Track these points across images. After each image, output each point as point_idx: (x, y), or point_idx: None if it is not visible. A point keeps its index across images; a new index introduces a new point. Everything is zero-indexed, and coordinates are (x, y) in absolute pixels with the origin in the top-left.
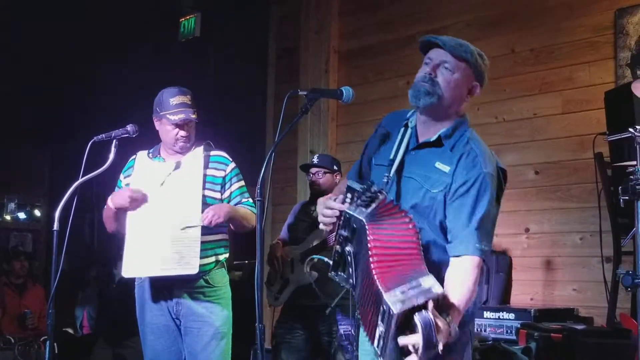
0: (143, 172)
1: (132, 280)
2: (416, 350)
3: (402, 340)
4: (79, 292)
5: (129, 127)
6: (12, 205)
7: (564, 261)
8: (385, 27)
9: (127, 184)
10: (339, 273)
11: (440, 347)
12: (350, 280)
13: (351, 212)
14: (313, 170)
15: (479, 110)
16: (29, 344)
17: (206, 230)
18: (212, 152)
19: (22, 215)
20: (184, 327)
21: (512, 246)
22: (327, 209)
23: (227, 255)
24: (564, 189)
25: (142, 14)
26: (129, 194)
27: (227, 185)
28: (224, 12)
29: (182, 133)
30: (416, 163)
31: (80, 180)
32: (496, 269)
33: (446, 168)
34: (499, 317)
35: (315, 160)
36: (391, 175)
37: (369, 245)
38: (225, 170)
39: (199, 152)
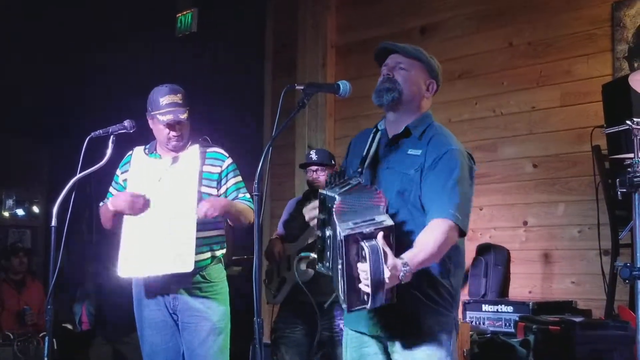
0: (139, 168)
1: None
2: (367, 282)
3: (358, 265)
4: (77, 288)
5: (126, 123)
6: (10, 202)
7: (562, 254)
8: (383, 21)
9: (124, 180)
10: (324, 263)
11: (387, 279)
12: (327, 264)
13: (325, 192)
14: (313, 167)
15: (476, 104)
16: (28, 340)
17: (202, 226)
18: (209, 149)
19: (20, 212)
20: (181, 322)
21: (510, 239)
22: (310, 208)
23: (223, 251)
24: (562, 182)
25: (139, 9)
26: (129, 200)
27: (223, 181)
28: (220, 7)
29: (173, 133)
30: (392, 156)
31: (78, 176)
32: (494, 262)
33: (418, 151)
34: (497, 310)
35: (314, 157)
36: (364, 166)
37: (336, 225)
38: (221, 167)
39: (195, 148)
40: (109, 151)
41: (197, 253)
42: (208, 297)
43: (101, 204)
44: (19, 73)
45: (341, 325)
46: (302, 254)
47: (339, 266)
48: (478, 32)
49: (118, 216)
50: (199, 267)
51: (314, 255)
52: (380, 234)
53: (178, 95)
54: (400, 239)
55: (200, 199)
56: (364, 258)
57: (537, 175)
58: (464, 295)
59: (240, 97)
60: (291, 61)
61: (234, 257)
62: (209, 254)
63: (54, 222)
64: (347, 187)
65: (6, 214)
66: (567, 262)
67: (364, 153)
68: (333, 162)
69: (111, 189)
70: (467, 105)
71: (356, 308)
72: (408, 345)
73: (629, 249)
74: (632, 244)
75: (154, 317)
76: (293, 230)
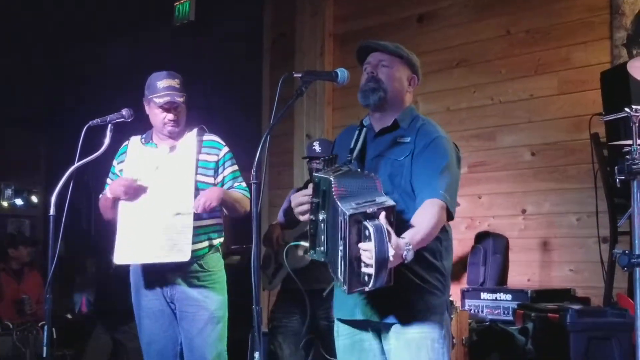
0: (136, 157)
1: (128, 265)
2: (371, 262)
3: (360, 245)
4: (76, 277)
5: (124, 112)
6: (8, 191)
7: (561, 242)
8: (380, 9)
9: (121, 170)
10: (317, 249)
11: (392, 257)
12: (322, 248)
13: (320, 175)
14: (318, 160)
15: (475, 92)
16: (28, 329)
17: (199, 215)
18: (205, 137)
19: (19, 202)
20: (179, 311)
21: (509, 227)
22: (299, 202)
23: (221, 239)
24: (560, 170)
25: None
26: (125, 183)
27: (220, 170)
28: None
29: (170, 116)
30: (381, 146)
31: (76, 165)
32: (493, 251)
33: (407, 139)
34: (496, 298)
35: (317, 149)
36: (353, 156)
37: (332, 193)
38: (218, 155)
39: (191, 137)
40: (107, 140)
41: (194, 242)
42: (206, 286)
43: (100, 195)
44: (16, 63)
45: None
46: (292, 243)
47: (340, 247)
48: (476, 20)
49: (117, 205)
50: (197, 256)
51: (305, 243)
52: (383, 214)
53: (176, 80)
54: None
55: (196, 188)
56: (368, 237)
57: (536, 163)
58: (463, 284)
59: (238, 85)
60: (289, 50)
61: (232, 247)
62: (206, 243)
63: (52, 212)
64: (340, 172)
65: (5, 203)
66: (566, 249)
67: (352, 145)
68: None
69: (108, 180)
70: (465, 93)
71: (356, 289)
72: (401, 326)
73: (628, 237)
74: (630, 231)
75: (151, 306)
76: (293, 217)
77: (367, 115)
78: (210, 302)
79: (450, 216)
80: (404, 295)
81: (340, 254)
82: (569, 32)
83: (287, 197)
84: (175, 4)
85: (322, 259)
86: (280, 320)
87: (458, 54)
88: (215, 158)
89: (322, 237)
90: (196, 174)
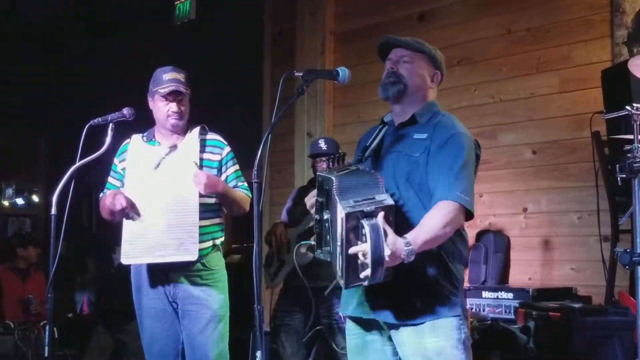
0: (137, 156)
1: (129, 264)
2: (367, 260)
3: (353, 249)
4: (78, 276)
5: (125, 111)
6: (9, 191)
7: (562, 240)
8: (381, 7)
9: (123, 169)
10: (323, 249)
11: (387, 257)
12: (327, 249)
13: (323, 174)
14: (324, 157)
15: (475, 90)
16: (29, 328)
17: (203, 214)
18: (208, 136)
19: (20, 201)
20: (181, 310)
21: (510, 226)
22: (312, 199)
23: (223, 238)
24: (561, 168)
25: None
26: (120, 204)
27: (223, 169)
28: None
29: (174, 108)
30: (396, 141)
31: (78, 164)
32: (494, 249)
33: (424, 135)
34: (497, 296)
35: (323, 146)
36: (367, 153)
37: (337, 203)
38: (221, 154)
39: (194, 136)
40: (108, 139)
41: (199, 241)
42: (208, 285)
43: (101, 195)
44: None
45: (340, 313)
46: (303, 242)
47: (337, 243)
48: (476, 18)
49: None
50: (200, 255)
51: (313, 242)
52: (381, 214)
53: (181, 74)
54: (405, 221)
55: None
56: (364, 236)
57: (537, 161)
58: (464, 282)
59: (238, 84)
60: (290, 49)
61: (233, 245)
62: (210, 243)
63: (53, 211)
64: (345, 171)
65: (6, 203)
66: (567, 248)
67: (369, 142)
68: (340, 151)
69: (110, 179)
70: (466, 92)
71: (354, 284)
72: (416, 331)
73: (629, 235)
74: (632, 229)
75: (153, 305)
76: (296, 216)
77: (388, 112)
78: (212, 300)
79: (470, 215)
80: (416, 296)
81: (338, 249)
82: (569, 30)
83: (290, 196)
84: (175, 2)
85: (328, 259)
86: (283, 319)
87: (459, 53)
88: (218, 157)
89: (327, 236)
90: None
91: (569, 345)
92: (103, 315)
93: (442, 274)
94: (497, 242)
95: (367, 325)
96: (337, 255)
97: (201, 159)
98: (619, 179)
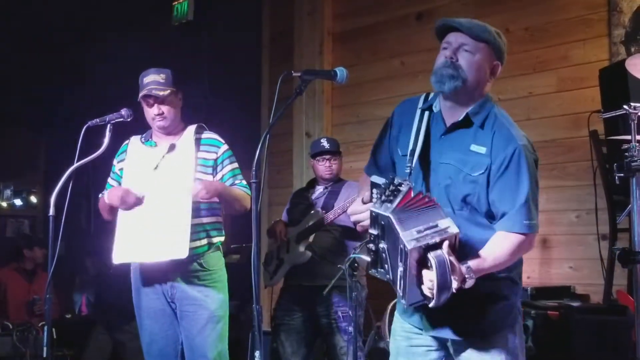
0: (136, 157)
1: (129, 265)
2: (432, 290)
3: (423, 274)
4: (76, 277)
5: (123, 111)
6: (8, 192)
7: (560, 239)
8: (379, 7)
9: (121, 169)
10: (379, 269)
11: (454, 287)
12: (388, 276)
13: (377, 210)
14: (326, 156)
15: None
16: (27, 329)
17: (197, 212)
18: (204, 135)
19: (18, 202)
20: (179, 311)
21: None
22: (357, 213)
23: (221, 238)
24: (559, 167)
25: None
26: (121, 194)
27: (219, 168)
28: None
29: (155, 111)
30: (449, 147)
31: (76, 165)
32: None
33: (482, 149)
34: None
35: (326, 145)
36: (413, 164)
37: (398, 234)
38: (217, 153)
39: (190, 135)
40: (106, 140)
41: (193, 240)
42: (206, 286)
43: (100, 195)
44: (15, 63)
45: (339, 313)
46: (353, 256)
47: (400, 268)
48: (474, 18)
49: (114, 210)
50: (196, 255)
51: (367, 258)
52: (446, 243)
53: (161, 75)
54: (461, 244)
55: None
56: (430, 267)
57: None
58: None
59: (237, 85)
60: (288, 49)
61: (232, 245)
62: (205, 241)
63: (52, 212)
64: (398, 199)
65: (4, 204)
66: (565, 247)
67: (412, 141)
68: (340, 150)
69: (109, 180)
70: None
71: (415, 303)
72: (469, 343)
73: (627, 234)
74: (629, 228)
75: (152, 306)
76: (295, 215)
77: (435, 96)
78: (210, 301)
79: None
80: (469, 310)
81: (400, 273)
82: (567, 29)
83: (290, 199)
84: (173, 3)
85: (384, 278)
86: (282, 319)
87: None
88: (214, 156)
89: (386, 265)
90: (195, 171)
91: (568, 344)
92: (102, 315)
93: (496, 282)
94: None
95: (414, 329)
96: (398, 277)
97: (197, 158)
98: (616, 177)
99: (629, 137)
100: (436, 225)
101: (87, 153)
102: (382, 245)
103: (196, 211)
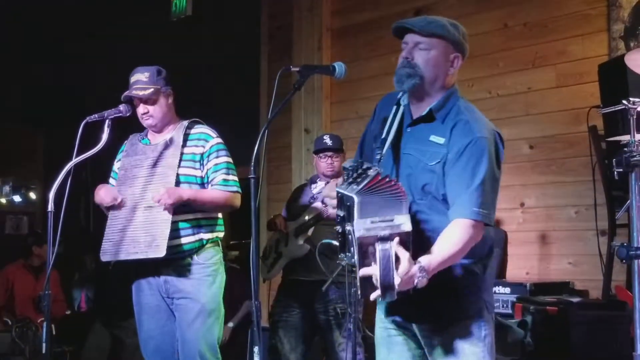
0: (130, 154)
1: (128, 262)
2: (376, 284)
3: (362, 271)
4: (75, 274)
5: (122, 107)
6: (7, 188)
7: (559, 235)
8: (378, 3)
9: (119, 168)
10: (347, 253)
11: (397, 284)
12: (353, 260)
13: (342, 191)
14: (328, 153)
15: (472, 85)
16: (27, 325)
17: (186, 208)
18: (195, 129)
19: (17, 198)
20: (173, 305)
21: (507, 221)
22: (331, 197)
23: (217, 234)
24: (558, 163)
25: None
26: (105, 197)
27: (204, 162)
28: None
29: (140, 110)
30: (412, 139)
31: (74, 161)
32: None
33: (440, 140)
34: (495, 291)
35: (329, 142)
36: (384, 152)
37: (352, 220)
38: (204, 147)
39: (179, 131)
40: (104, 136)
41: (182, 236)
42: (198, 279)
43: None
44: (14, 59)
45: (337, 309)
46: (324, 241)
47: (354, 259)
48: (473, 13)
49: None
50: (188, 250)
51: (335, 243)
52: (396, 239)
53: (145, 74)
54: (420, 230)
55: (180, 182)
56: (375, 262)
57: (534, 156)
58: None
59: (235, 80)
60: (287, 44)
61: (231, 242)
62: (195, 237)
63: (50, 207)
64: (365, 182)
65: (3, 200)
66: (564, 243)
67: (385, 132)
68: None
69: (110, 179)
70: (463, 87)
71: (370, 297)
72: (434, 331)
73: (626, 229)
74: (629, 223)
75: (148, 302)
76: (295, 210)
77: (405, 94)
78: (201, 295)
79: (488, 225)
80: (431, 298)
81: (355, 262)
82: (566, 24)
83: (291, 194)
84: None
85: (350, 263)
86: (281, 315)
87: None
88: (201, 150)
89: (351, 247)
90: (179, 167)
91: (567, 340)
92: (101, 312)
93: (457, 272)
94: (494, 237)
95: (396, 321)
96: (357, 266)
97: (183, 153)
98: (615, 173)
99: (627, 137)
100: (392, 220)
101: (86, 149)
102: (348, 227)
103: (187, 207)
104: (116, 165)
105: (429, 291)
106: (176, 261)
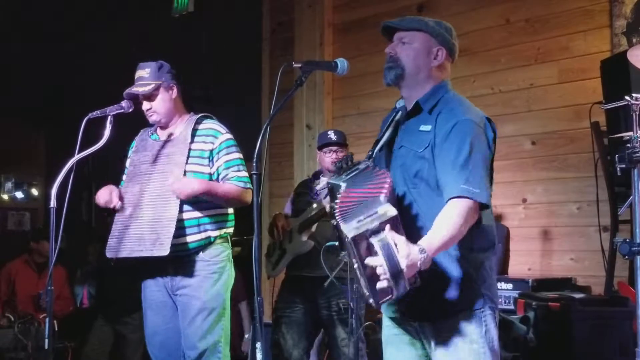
0: (140, 150)
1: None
2: (386, 276)
3: (368, 261)
4: (77, 269)
5: (124, 103)
6: (9, 185)
7: (562, 231)
8: None
9: (128, 165)
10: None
11: (404, 266)
12: (344, 252)
13: (332, 181)
14: (333, 148)
15: (474, 81)
16: (29, 321)
17: (195, 206)
18: (204, 125)
19: (19, 195)
20: (176, 302)
21: (509, 217)
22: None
23: (224, 230)
24: (560, 159)
25: None
26: (98, 198)
27: (214, 159)
28: None
29: (145, 106)
30: (404, 134)
31: (76, 157)
32: None
33: (428, 127)
34: (497, 287)
35: (333, 137)
36: (377, 149)
37: (339, 226)
38: (213, 144)
39: (188, 127)
40: (106, 132)
41: (187, 234)
42: (202, 276)
43: None
44: (15, 55)
45: (340, 305)
46: (329, 244)
47: (355, 265)
48: (475, 9)
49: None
50: (192, 248)
51: (337, 243)
52: (387, 227)
53: (146, 69)
54: (416, 219)
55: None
56: (376, 254)
57: (536, 152)
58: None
59: (237, 76)
60: (288, 40)
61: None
62: (202, 235)
63: (52, 203)
64: (354, 173)
65: (5, 196)
66: (566, 238)
67: (380, 134)
68: (349, 152)
69: (124, 177)
70: (465, 83)
71: (383, 300)
72: (435, 327)
73: (628, 225)
74: (631, 219)
75: (154, 297)
76: (298, 205)
77: (401, 97)
78: (202, 292)
79: (483, 206)
80: (431, 292)
81: (358, 272)
82: (568, 20)
83: (294, 190)
84: None
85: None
86: (284, 311)
87: (458, 43)
88: (210, 147)
89: (350, 255)
90: (187, 163)
91: (569, 336)
92: (103, 307)
93: (455, 265)
94: (496, 233)
95: (398, 319)
96: (359, 276)
97: (191, 149)
98: (618, 169)
99: (629, 134)
100: (375, 212)
101: (88, 145)
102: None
103: (193, 205)
104: (127, 162)
105: (428, 286)
106: (181, 258)
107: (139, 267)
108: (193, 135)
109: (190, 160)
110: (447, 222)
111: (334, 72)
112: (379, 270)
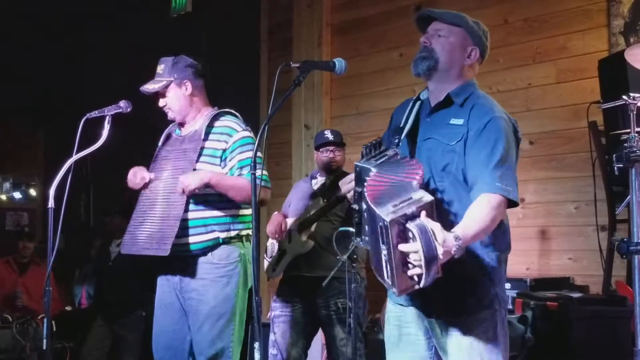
0: (163, 145)
1: (129, 258)
2: (420, 262)
3: (403, 247)
4: (76, 270)
5: (122, 103)
6: (7, 185)
7: (559, 230)
8: None
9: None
10: (363, 237)
11: (440, 254)
12: (365, 238)
13: (361, 164)
14: (330, 147)
15: None
16: (27, 322)
17: (202, 206)
18: (219, 122)
19: (17, 195)
20: (185, 305)
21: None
22: (347, 183)
23: (234, 232)
24: (558, 159)
25: None
26: (131, 172)
27: (228, 159)
28: None
29: (160, 103)
30: (432, 126)
31: (75, 157)
32: None
33: (460, 121)
34: None
35: (330, 136)
36: (402, 137)
37: (375, 211)
38: (227, 143)
39: (203, 124)
40: (105, 132)
41: (190, 235)
42: (209, 280)
43: None
44: (13, 55)
45: (339, 304)
46: (341, 229)
47: (383, 252)
48: (473, 8)
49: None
50: (197, 249)
51: (352, 229)
52: (423, 213)
53: (161, 65)
54: (441, 212)
55: None
56: (413, 239)
57: (534, 152)
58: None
59: (235, 76)
60: (287, 40)
61: None
62: (210, 236)
63: (51, 204)
64: (383, 159)
65: (3, 197)
66: (564, 238)
67: (402, 123)
68: (344, 142)
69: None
70: None
71: (407, 289)
72: (448, 324)
73: (626, 225)
74: (629, 219)
75: (164, 297)
76: (297, 206)
77: (425, 89)
78: (210, 296)
79: (513, 203)
80: (451, 289)
81: (384, 258)
82: (566, 20)
83: (291, 190)
84: None
85: (368, 247)
86: (282, 310)
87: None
88: (224, 146)
89: (367, 226)
90: (197, 161)
91: (567, 335)
92: (101, 308)
93: (474, 262)
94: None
95: (405, 317)
96: (383, 263)
97: (203, 147)
98: (616, 168)
99: (627, 131)
100: (410, 198)
101: (86, 145)
102: (365, 205)
103: (202, 204)
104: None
105: (445, 282)
106: (187, 260)
107: (155, 266)
108: (207, 133)
109: (200, 158)
110: (481, 214)
111: (332, 72)
112: (413, 257)
